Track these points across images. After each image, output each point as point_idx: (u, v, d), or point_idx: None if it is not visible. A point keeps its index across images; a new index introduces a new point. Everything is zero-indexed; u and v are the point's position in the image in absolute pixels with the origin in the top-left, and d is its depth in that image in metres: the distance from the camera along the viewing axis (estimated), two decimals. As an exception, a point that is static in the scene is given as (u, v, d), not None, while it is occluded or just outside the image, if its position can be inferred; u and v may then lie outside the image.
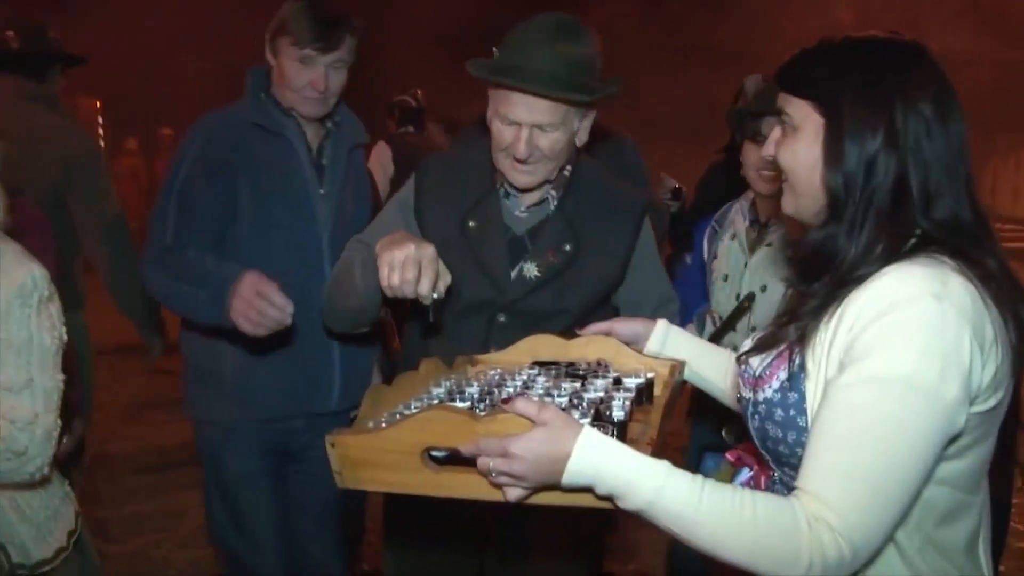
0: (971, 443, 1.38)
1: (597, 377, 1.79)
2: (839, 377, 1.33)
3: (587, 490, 1.36)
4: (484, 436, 1.38)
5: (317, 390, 2.60)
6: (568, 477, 1.34)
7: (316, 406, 2.60)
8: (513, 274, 2.17)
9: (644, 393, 1.80)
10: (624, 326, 1.90)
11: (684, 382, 1.87)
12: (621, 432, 1.59)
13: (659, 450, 1.48)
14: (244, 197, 2.47)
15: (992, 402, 1.36)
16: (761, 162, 2.57)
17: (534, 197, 2.20)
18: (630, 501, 1.32)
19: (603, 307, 2.22)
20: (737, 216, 2.77)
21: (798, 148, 1.45)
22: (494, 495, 1.41)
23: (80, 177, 3.27)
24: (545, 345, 1.93)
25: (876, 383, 1.29)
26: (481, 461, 1.38)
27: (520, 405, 1.38)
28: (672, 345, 1.88)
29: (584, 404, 1.63)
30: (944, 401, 1.28)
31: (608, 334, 1.90)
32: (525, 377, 1.83)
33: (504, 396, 1.71)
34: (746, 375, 1.53)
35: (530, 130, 2.02)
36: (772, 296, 2.54)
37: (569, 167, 2.22)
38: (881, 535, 1.30)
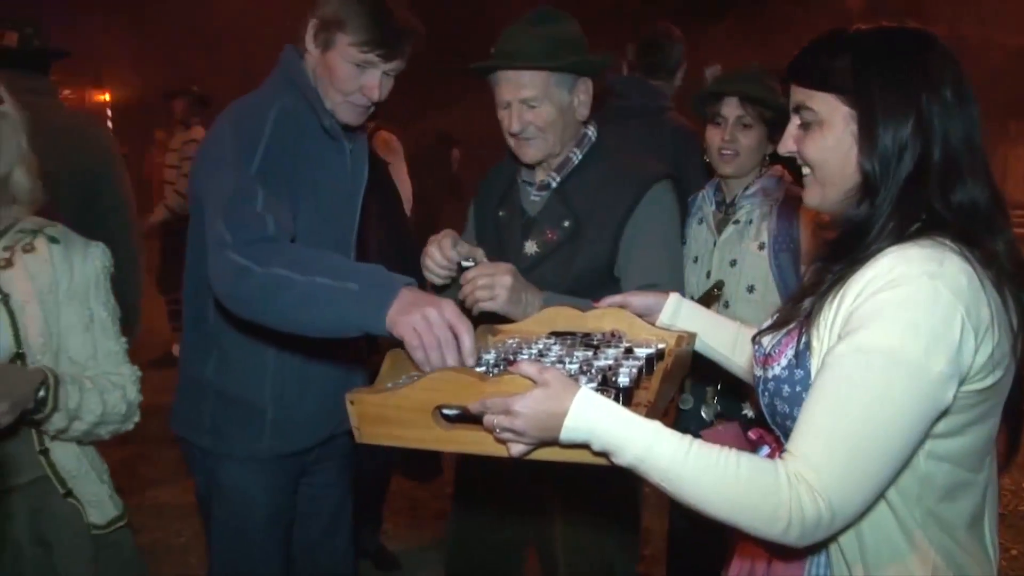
0: (970, 421, 1.44)
1: (609, 347, 1.88)
2: (834, 347, 1.41)
3: (584, 447, 1.45)
4: (490, 395, 1.48)
5: (343, 408, 2.30)
6: (565, 433, 1.44)
7: (342, 425, 2.13)
8: (523, 252, 2.34)
9: (654, 362, 1.88)
10: (638, 299, 1.99)
11: (693, 353, 1.95)
12: (627, 397, 1.67)
13: (657, 414, 1.57)
14: (301, 198, 2.23)
15: (989, 380, 1.42)
16: (722, 143, 2.72)
17: (543, 179, 2.36)
18: (622, 457, 1.42)
19: (609, 282, 2.29)
20: (704, 200, 2.88)
21: (827, 141, 1.51)
22: (499, 450, 1.52)
23: (100, 171, 3.34)
24: (562, 316, 2.03)
25: (864, 354, 1.36)
26: (487, 418, 1.48)
27: (523, 367, 1.48)
28: (684, 317, 1.95)
29: (593, 371, 1.72)
30: (929, 375, 1.34)
31: (622, 306, 1.98)
32: (541, 346, 1.92)
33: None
34: (758, 354, 1.60)
35: (519, 106, 2.25)
36: (743, 269, 2.66)
37: (578, 151, 2.35)
38: (860, 499, 1.37)
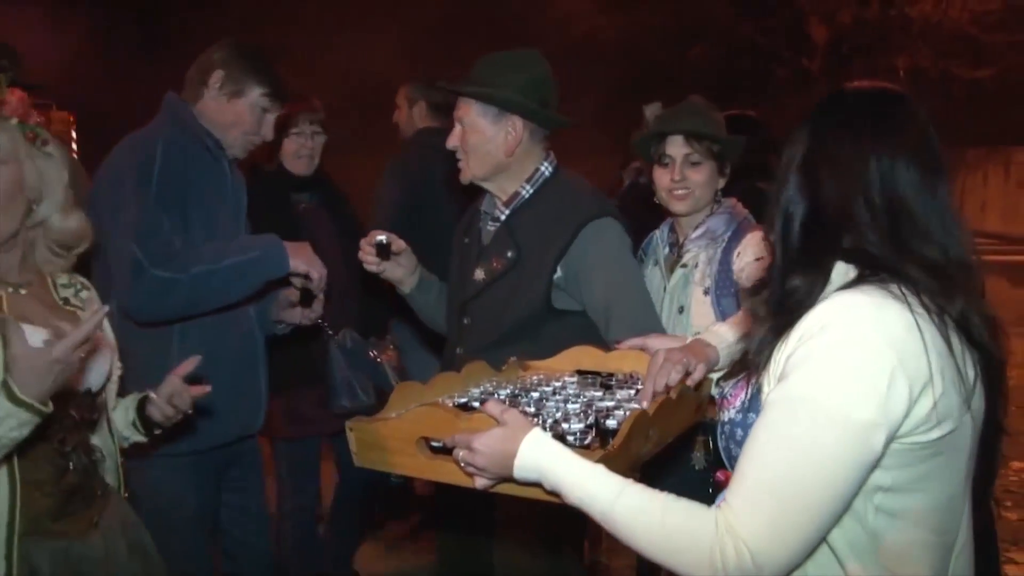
0: (921, 476, 1.41)
1: (623, 388, 1.96)
2: (770, 393, 1.44)
3: (539, 484, 1.56)
4: (462, 431, 1.62)
5: (254, 409, 2.79)
6: (517, 472, 1.55)
7: (250, 427, 2.80)
8: (472, 278, 2.50)
9: (662, 406, 1.94)
10: (657, 341, 2.04)
11: (711, 398, 1.98)
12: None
13: (620, 460, 1.62)
14: (193, 214, 2.62)
15: (935, 433, 1.38)
16: (671, 183, 2.65)
17: (495, 212, 2.51)
18: (567, 498, 1.51)
19: (547, 314, 2.38)
20: (659, 242, 2.83)
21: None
22: (468, 482, 1.64)
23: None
24: (588, 356, 2.12)
25: (789, 402, 1.38)
26: (455, 452, 1.62)
27: (488, 406, 1.60)
28: None
29: (590, 412, 1.81)
30: (851, 423, 1.33)
31: (643, 349, 2.05)
32: (560, 383, 2.03)
33: (528, 399, 1.93)
34: (718, 396, 1.65)
35: (458, 126, 2.47)
36: (690, 316, 2.62)
37: (528, 186, 2.48)
38: (786, 552, 1.37)
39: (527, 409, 1.84)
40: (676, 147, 2.68)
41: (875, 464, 1.37)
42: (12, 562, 1.76)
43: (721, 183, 2.72)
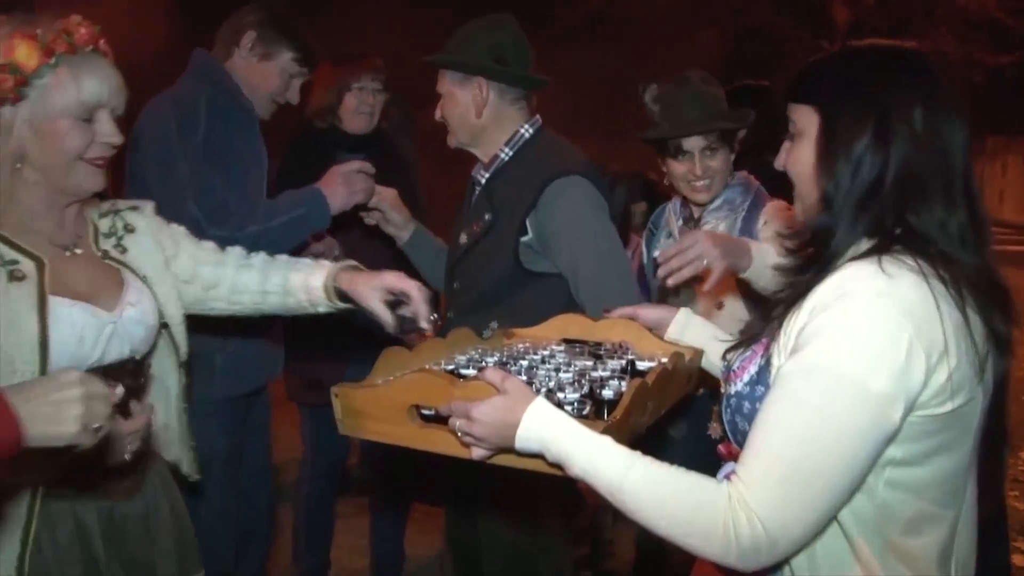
0: (931, 450, 1.39)
1: (613, 358, 1.90)
2: (782, 366, 1.39)
3: (540, 456, 1.49)
4: (456, 399, 1.54)
5: (276, 356, 2.98)
6: (519, 443, 1.48)
7: (274, 373, 3.02)
8: (459, 241, 2.52)
9: (653, 376, 1.89)
10: (647, 311, 2.00)
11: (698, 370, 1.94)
12: (611, 410, 1.70)
13: (621, 431, 1.57)
14: (234, 170, 2.71)
15: (948, 406, 1.36)
16: (690, 174, 2.62)
17: (477, 177, 2.53)
18: (571, 469, 1.45)
19: (523, 276, 2.37)
20: (671, 216, 2.81)
21: (801, 152, 1.50)
22: (464, 452, 1.57)
23: None
24: (575, 324, 2.06)
25: (805, 373, 1.34)
26: (451, 421, 1.54)
27: (488, 374, 1.53)
28: (692, 333, 1.95)
29: (583, 381, 1.75)
30: (870, 394, 1.30)
31: (632, 318, 2.00)
32: (547, 352, 1.96)
33: (518, 368, 1.87)
34: (724, 369, 1.60)
35: (441, 97, 2.51)
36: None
37: (507, 149, 2.48)
38: (801, 525, 1.34)
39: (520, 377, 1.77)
40: (693, 141, 2.62)
41: (892, 437, 1.34)
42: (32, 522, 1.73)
43: (732, 156, 2.69)
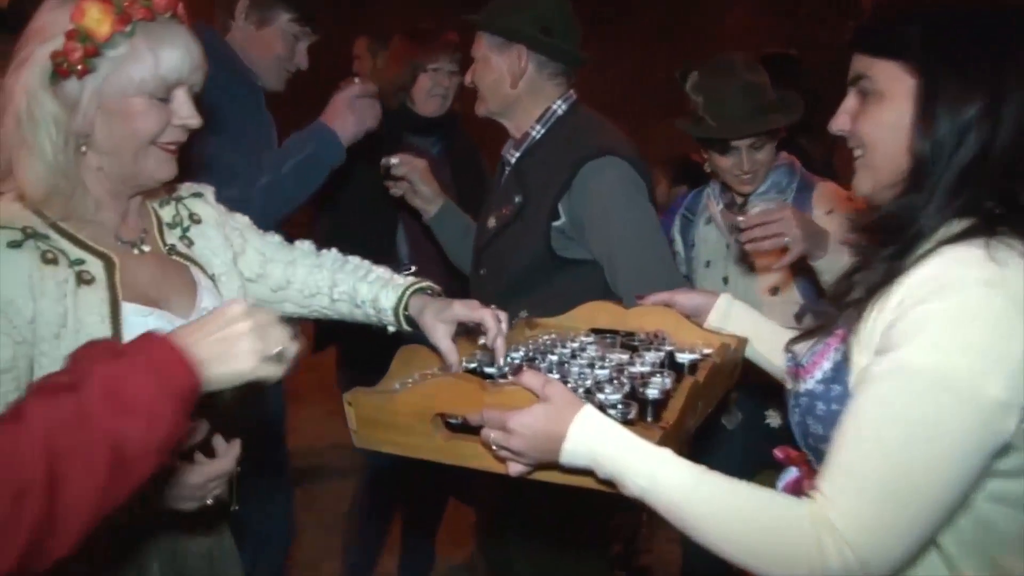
0: None
1: (649, 350, 1.72)
2: (871, 367, 1.21)
3: (588, 472, 1.31)
4: (489, 407, 1.36)
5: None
6: (565, 457, 1.30)
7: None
8: (487, 225, 2.34)
9: (696, 370, 1.72)
10: (685, 297, 1.81)
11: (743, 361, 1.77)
12: (655, 413, 1.52)
13: (677, 438, 1.41)
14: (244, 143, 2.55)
15: None
16: (736, 168, 2.44)
17: (507, 156, 2.34)
18: (626, 487, 1.27)
19: (551, 263, 2.19)
20: (710, 200, 2.62)
21: (884, 116, 1.29)
22: (499, 467, 1.39)
23: None
24: (604, 312, 1.87)
25: (904, 375, 1.16)
26: (484, 432, 1.36)
27: (526, 378, 1.35)
28: (735, 320, 1.77)
29: (623, 378, 1.57)
30: (981, 401, 1.13)
31: (668, 304, 1.81)
32: (576, 344, 1.78)
33: (547, 364, 1.68)
34: (790, 364, 1.42)
35: (475, 61, 2.35)
36: (757, 275, 2.46)
37: (539, 127, 2.29)
38: (898, 552, 1.17)
39: (552, 375, 1.59)
40: (741, 139, 2.43)
41: (1001, 449, 1.16)
42: None
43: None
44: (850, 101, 1.35)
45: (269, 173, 2.42)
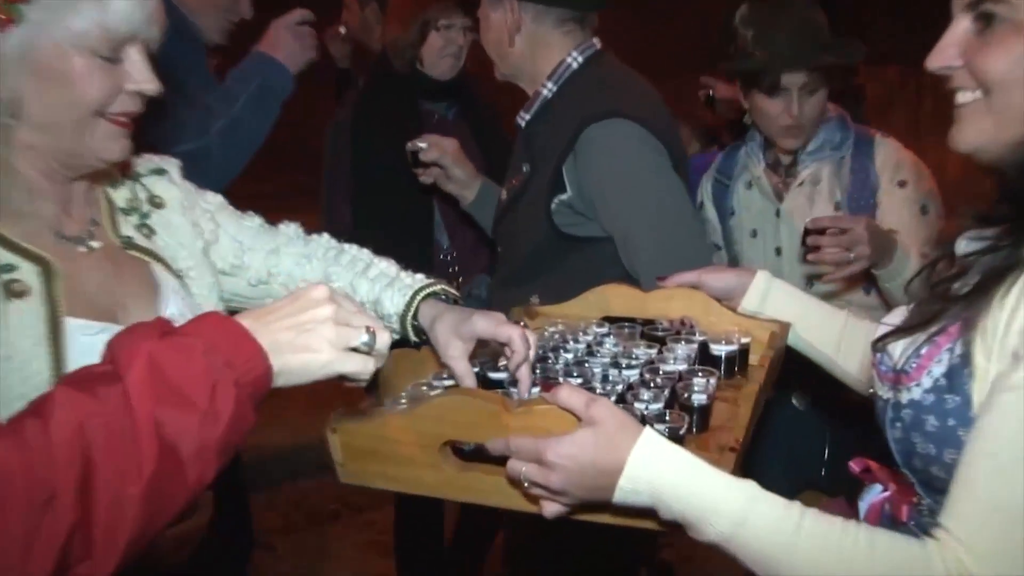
0: None
1: (679, 341, 1.46)
2: (1009, 374, 0.96)
3: (647, 511, 1.05)
4: (517, 432, 1.08)
5: None
6: (621, 495, 1.03)
7: None
8: (501, 200, 2.09)
9: (736, 364, 1.46)
10: (715, 277, 1.55)
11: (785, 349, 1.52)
12: (702, 421, 1.27)
13: (743, 455, 1.15)
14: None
15: None
16: (785, 115, 2.13)
17: (518, 119, 2.04)
18: (702, 532, 1.01)
19: (563, 243, 1.90)
20: (750, 160, 2.30)
21: (1018, 49, 1.02)
22: (529, 507, 1.11)
23: None
24: (618, 296, 1.60)
25: None
26: (511, 465, 1.08)
27: (564, 395, 1.07)
28: (775, 302, 1.52)
29: (658, 381, 1.31)
30: None
31: (695, 286, 1.55)
32: (591, 337, 1.51)
33: (562, 363, 1.40)
34: (883, 367, 1.16)
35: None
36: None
37: (551, 84, 1.97)
38: None
39: (573, 380, 1.31)
40: (793, 77, 2.10)
41: None
42: None
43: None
44: (959, 30, 1.07)
45: (223, 114, 2.18)
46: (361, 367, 1.02)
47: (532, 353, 1.29)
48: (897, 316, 1.18)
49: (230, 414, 0.89)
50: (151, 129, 1.77)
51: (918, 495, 1.13)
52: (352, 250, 1.55)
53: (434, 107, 2.76)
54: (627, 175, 1.82)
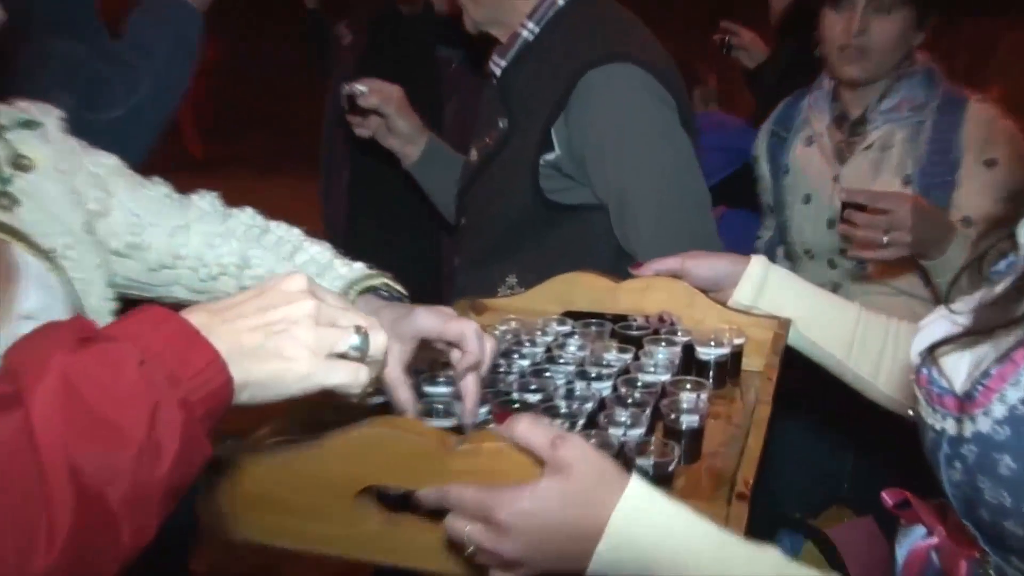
0: None
1: (658, 343, 1.19)
2: None
3: None
4: (460, 478, 0.80)
5: None
6: (598, 566, 0.77)
7: None
8: (470, 160, 1.77)
9: (728, 370, 1.20)
10: (701, 263, 1.29)
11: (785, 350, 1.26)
12: (692, 449, 1.01)
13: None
14: None
15: None
16: (847, 37, 1.82)
17: (493, 65, 1.70)
18: None
19: (558, 214, 1.60)
20: (813, 112, 2.00)
21: None
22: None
23: None
24: (582, 286, 1.33)
25: None
26: (452, 523, 0.81)
27: (523, 430, 0.79)
28: (772, 293, 1.26)
29: (637, 396, 1.04)
30: None
31: (677, 275, 1.29)
32: (552, 338, 1.24)
33: (517, 371, 1.13)
34: (934, 388, 0.89)
35: None
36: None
37: (532, 24, 1.64)
38: None
39: (530, 396, 1.05)
40: None
41: None
42: None
43: (918, 38, 1.85)
44: None
45: (147, 71, 1.89)
46: (351, 378, 0.78)
47: (488, 359, 1.01)
48: (938, 320, 0.92)
49: (176, 446, 0.67)
50: (82, 95, 1.69)
51: (979, 549, 0.88)
52: (279, 230, 1.26)
53: (450, 53, 2.45)
54: (628, 128, 1.52)
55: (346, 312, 0.80)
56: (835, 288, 1.84)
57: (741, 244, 2.10)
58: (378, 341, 0.80)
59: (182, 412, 0.67)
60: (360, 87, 1.91)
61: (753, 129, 2.28)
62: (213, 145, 8.86)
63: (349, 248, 1.25)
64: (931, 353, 0.88)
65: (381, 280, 1.16)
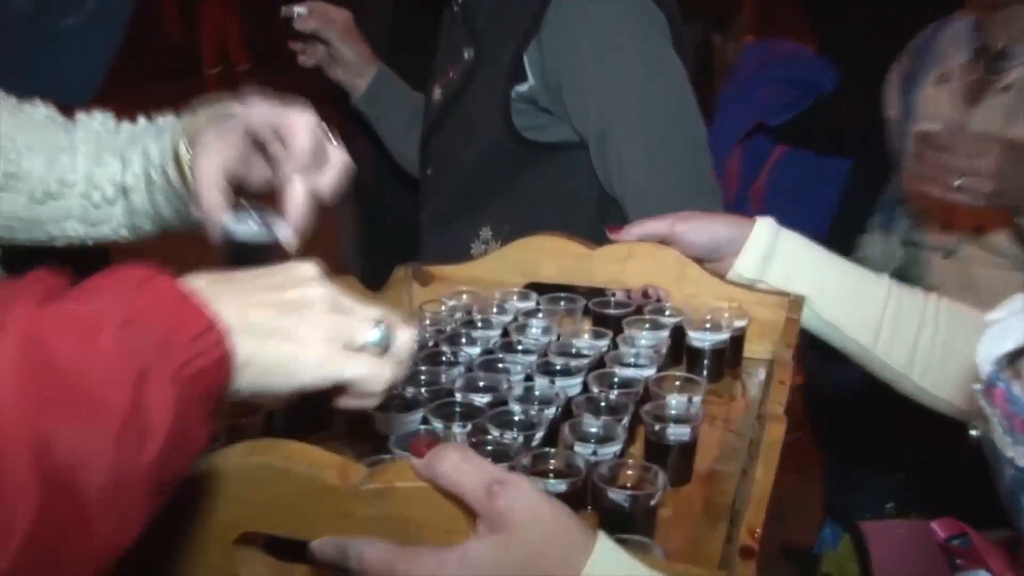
0: None
1: (642, 325, 0.98)
2: None
3: None
4: (363, 527, 0.60)
5: None
6: None
7: None
8: (432, 100, 1.53)
9: (726, 360, 0.99)
10: (695, 227, 1.06)
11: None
12: (683, 467, 0.80)
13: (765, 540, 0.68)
14: None
15: None
16: None
17: None
18: None
19: (534, 154, 1.38)
20: (952, 44, 1.68)
21: None
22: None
23: None
24: (552, 254, 1.10)
25: None
26: None
27: (448, 469, 0.58)
28: (782, 264, 1.04)
29: (613, 398, 0.83)
30: None
31: (666, 241, 1.06)
32: (510, 317, 1.02)
33: (456, 372, 0.91)
34: (1017, 410, 0.66)
35: None
36: None
37: None
38: None
39: (477, 397, 0.83)
40: None
41: None
42: None
43: None
44: None
45: (101, 35, 1.73)
46: (371, 371, 0.66)
47: (337, 163, 0.83)
48: (1020, 313, 0.69)
49: (168, 424, 0.54)
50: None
51: None
52: (124, 124, 1.11)
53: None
54: (610, 51, 1.29)
55: (365, 305, 0.69)
56: (948, 255, 1.57)
57: (792, 191, 1.93)
58: (404, 337, 0.68)
59: (174, 387, 0.54)
60: (299, 8, 1.65)
61: (827, 60, 2.05)
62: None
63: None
64: (1012, 364, 0.66)
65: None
